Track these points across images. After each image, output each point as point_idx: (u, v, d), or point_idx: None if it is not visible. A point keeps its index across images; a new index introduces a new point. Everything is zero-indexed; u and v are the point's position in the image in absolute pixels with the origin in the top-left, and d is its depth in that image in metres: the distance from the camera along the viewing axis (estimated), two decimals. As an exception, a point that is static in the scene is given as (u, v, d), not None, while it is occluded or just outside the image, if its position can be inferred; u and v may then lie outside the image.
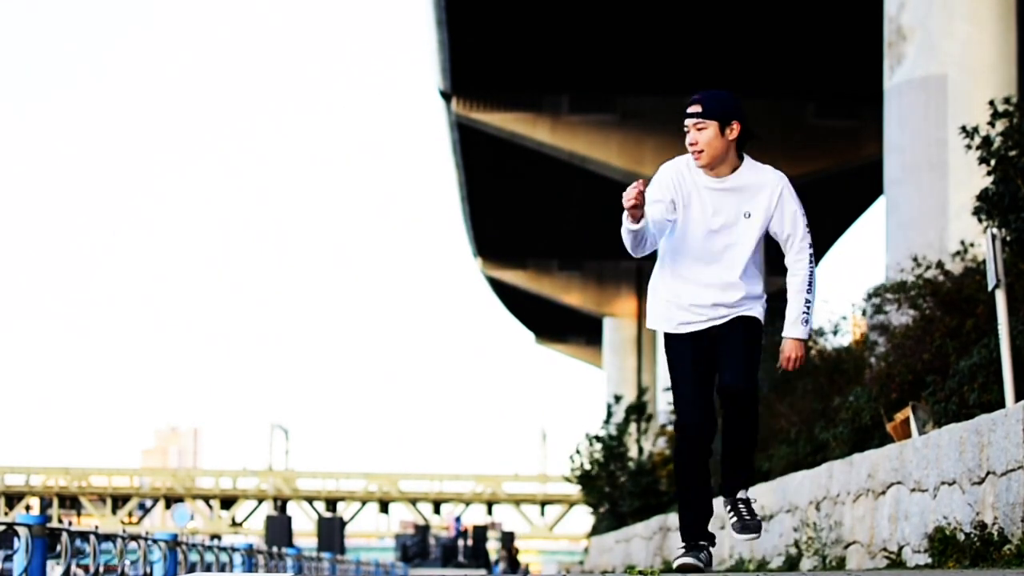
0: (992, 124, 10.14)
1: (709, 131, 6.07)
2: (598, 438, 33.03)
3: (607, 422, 33.16)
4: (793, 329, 6.12)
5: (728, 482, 6.37)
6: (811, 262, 6.15)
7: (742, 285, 6.13)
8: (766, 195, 6.13)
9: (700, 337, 6.18)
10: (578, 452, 33.28)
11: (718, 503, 6.69)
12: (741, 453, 6.34)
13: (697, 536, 6.38)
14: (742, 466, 6.37)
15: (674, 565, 6.33)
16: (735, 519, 6.29)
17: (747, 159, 6.21)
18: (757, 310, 6.19)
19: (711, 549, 6.42)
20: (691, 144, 6.10)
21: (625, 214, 5.95)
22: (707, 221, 6.11)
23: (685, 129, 6.13)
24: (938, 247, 16.33)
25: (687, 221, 6.13)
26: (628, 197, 5.88)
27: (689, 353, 6.19)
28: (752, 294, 6.17)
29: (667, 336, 6.27)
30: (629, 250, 6.12)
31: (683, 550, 6.34)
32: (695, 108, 6.12)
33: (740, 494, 6.35)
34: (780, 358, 6.16)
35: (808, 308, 6.10)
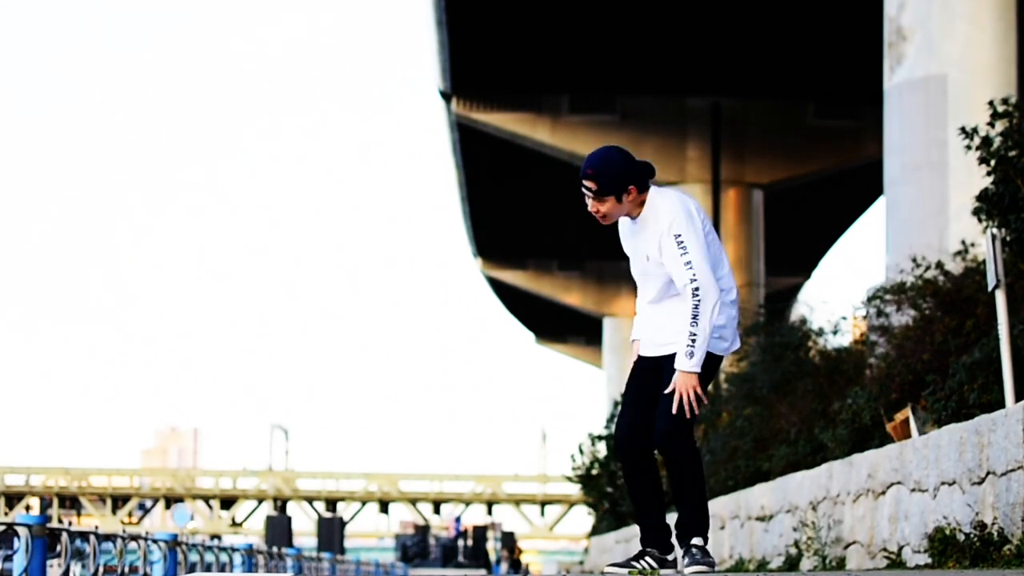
0: (992, 124, 10.14)
1: (608, 203, 6.25)
2: (600, 437, 33.03)
3: (611, 422, 33.15)
4: (682, 363, 6.18)
5: (679, 529, 6.42)
6: (695, 295, 6.14)
7: (671, 320, 6.30)
8: (655, 237, 6.27)
9: (648, 362, 6.46)
10: (581, 451, 33.28)
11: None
12: (681, 500, 6.40)
13: (647, 540, 6.49)
14: (687, 512, 6.38)
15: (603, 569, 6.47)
16: (686, 559, 6.30)
17: (651, 192, 6.31)
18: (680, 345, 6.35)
19: (665, 557, 6.46)
20: (594, 211, 6.31)
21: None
22: (633, 260, 6.45)
23: (585, 192, 6.29)
24: (938, 247, 16.32)
25: (630, 260, 6.53)
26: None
27: (634, 373, 6.52)
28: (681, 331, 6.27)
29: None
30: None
31: (628, 560, 6.46)
32: (590, 184, 6.24)
33: (694, 540, 6.35)
34: (675, 391, 6.22)
35: (693, 341, 6.12)
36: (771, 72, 34.34)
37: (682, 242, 6.13)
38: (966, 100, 17.81)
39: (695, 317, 6.12)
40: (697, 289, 6.11)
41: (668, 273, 6.22)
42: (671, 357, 6.27)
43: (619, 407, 6.55)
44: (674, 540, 6.49)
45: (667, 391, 6.24)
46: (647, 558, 6.38)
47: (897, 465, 9.55)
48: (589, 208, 6.31)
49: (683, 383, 6.16)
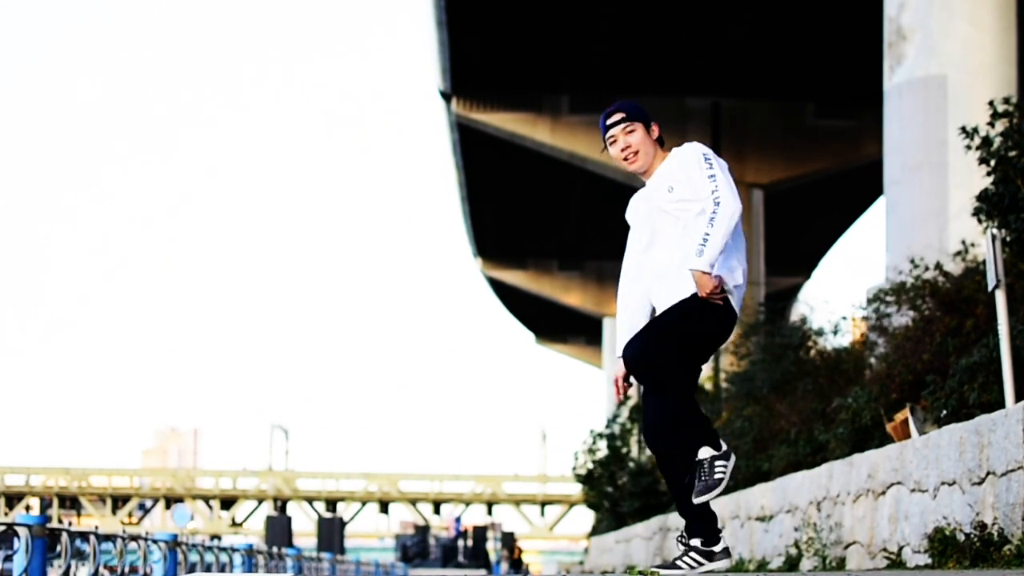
0: (992, 124, 10.14)
1: (638, 132, 6.13)
2: (601, 435, 33.06)
3: (612, 422, 33.17)
4: (695, 261, 5.90)
5: (690, 521, 6.21)
6: (716, 204, 5.93)
7: (681, 265, 6.04)
8: (678, 169, 6.09)
9: None
10: (589, 451, 33.29)
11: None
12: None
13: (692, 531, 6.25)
14: (686, 510, 6.13)
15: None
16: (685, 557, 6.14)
17: (661, 153, 6.25)
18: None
19: (699, 554, 6.18)
20: (624, 148, 6.13)
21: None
22: (646, 227, 6.22)
23: (611, 140, 6.16)
24: (938, 247, 16.32)
25: (635, 238, 6.30)
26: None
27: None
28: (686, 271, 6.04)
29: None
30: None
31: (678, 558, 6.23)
32: (618, 116, 6.18)
33: (692, 541, 6.13)
34: (696, 290, 5.98)
35: (706, 241, 5.87)
36: (771, 72, 34.34)
37: (710, 164, 6.00)
38: (966, 100, 17.81)
39: (711, 220, 5.89)
40: (719, 200, 5.92)
41: (686, 209, 5.99)
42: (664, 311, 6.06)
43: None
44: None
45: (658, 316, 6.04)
46: (692, 553, 6.14)
47: (897, 465, 9.54)
48: (619, 148, 6.12)
49: (702, 284, 5.88)
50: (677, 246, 6.05)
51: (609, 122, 6.18)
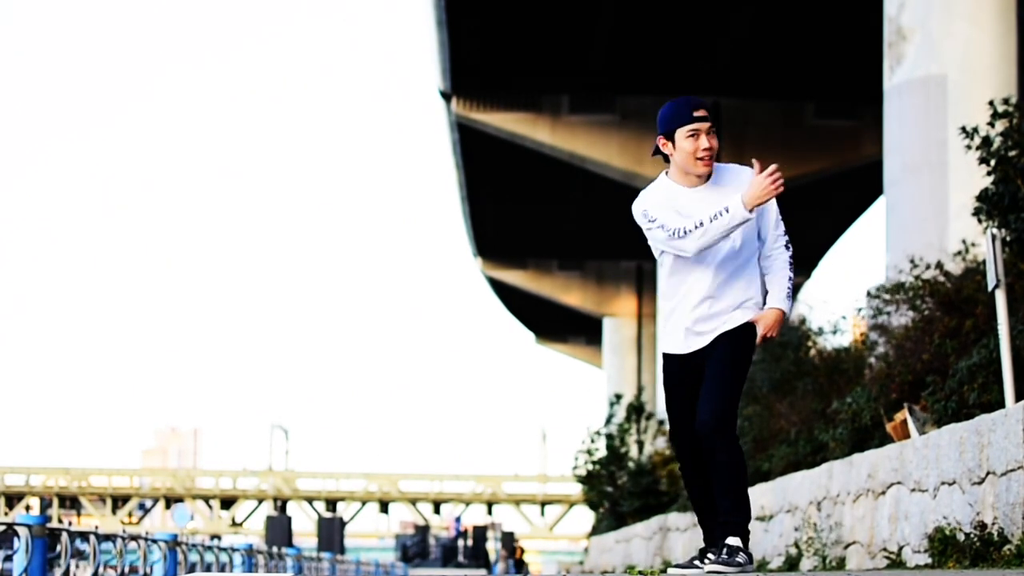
0: (992, 124, 10.14)
1: (715, 138, 6.03)
2: (599, 433, 33.06)
3: (608, 422, 33.16)
4: (781, 303, 6.05)
5: (718, 526, 6.17)
6: (788, 248, 6.13)
7: (731, 295, 6.06)
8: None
9: (689, 361, 6.18)
10: (587, 451, 33.26)
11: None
12: (722, 494, 6.11)
13: (706, 539, 6.32)
14: (726, 507, 6.10)
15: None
16: (714, 556, 6.07)
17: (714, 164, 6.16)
18: (746, 314, 6.09)
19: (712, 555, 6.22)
20: (706, 149, 5.97)
21: (746, 209, 5.84)
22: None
23: (691, 132, 5.97)
24: (938, 247, 16.32)
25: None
26: (778, 185, 5.84)
27: (678, 380, 6.23)
28: (743, 300, 6.09)
29: (666, 356, 6.23)
30: (699, 248, 5.95)
31: (691, 559, 6.31)
32: (705, 112, 6.01)
33: (729, 540, 6.06)
34: (761, 327, 6.04)
35: (791, 286, 6.08)
36: (771, 72, 34.34)
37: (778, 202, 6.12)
38: (966, 100, 17.81)
39: (791, 266, 6.10)
40: (788, 243, 6.11)
41: (750, 232, 6.00)
42: (719, 338, 6.05)
43: (671, 417, 6.24)
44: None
45: (719, 369, 6.02)
46: (710, 554, 6.18)
47: (897, 465, 9.54)
48: (701, 145, 5.96)
49: (776, 321, 6.02)
50: (732, 272, 6.05)
51: (697, 114, 5.99)
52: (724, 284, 6.05)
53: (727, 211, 5.83)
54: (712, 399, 5.99)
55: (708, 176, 6.05)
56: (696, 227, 5.88)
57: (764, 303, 6.15)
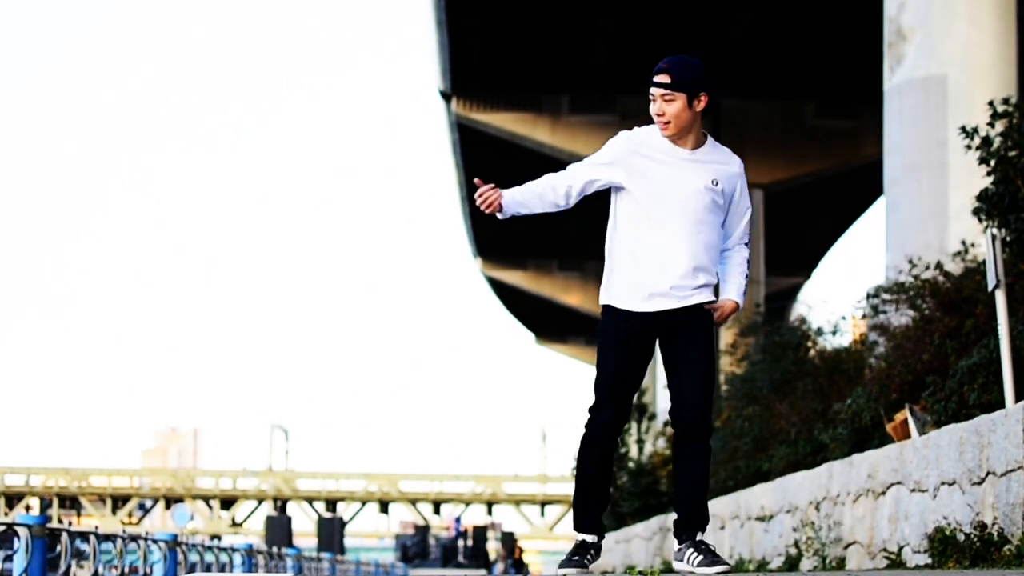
0: (992, 124, 10.14)
1: (677, 103, 5.89)
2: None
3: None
4: (738, 296, 6.05)
5: (684, 524, 6.04)
6: (747, 246, 6.12)
7: (704, 262, 5.96)
8: (732, 178, 6.00)
9: (653, 319, 5.96)
10: None
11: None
12: (696, 492, 6.06)
13: (589, 527, 6.19)
14: (698, 505, 6.05)
15: (558, 571, 6.15)
16: (700, 557, 5.92)
17: (709, 138, 6.08)
18: (709, 294, 6.01)
19: (599, 544, 6.21)
20: (658, 115, 5.92)
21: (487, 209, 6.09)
22: (672, 190, 5.92)
23: (651, 97, 5.95)
24: (938, 247, 16.32)
25: (645, 190, 5.96)
26: (485, 203, 6.27)
27: (628, 342, 5.99)
28: (709, 278, 6.00)
29: (616, 311, 6.01)
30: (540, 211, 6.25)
31: (571, 555, 6.16)
32: (663, 78, 5.91)
33: (698, 536, 6.00)
34: (716, 314, 5.99)
35: (746, 284, 6.09)
36: (771, 72, 34.34)
37: (749, 192, 6.13)
38: (966, 100, 17.81)
39: (748, 263, 6.12)
40: (748, 242, 6.11)
41: (719, 213, 5.95)
42: (696, 309, 5.93)
43: (604, 387, 5.95)
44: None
45: (698, 361, 5.91)
46: (592, 551, 6.15)
47: (897, 465, 9.54)
48: (654, 111, 5.92)
49: (731, 312, 6.03)
50: (698, 243, 5.94)
51: (655, 79, 5.96)
52: (699, 253, 5.94)
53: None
54: (704, 393, 5.94)
55: (697, 144, 5.99)
56: (561, 181, 6.36)
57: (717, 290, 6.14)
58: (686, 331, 5.94)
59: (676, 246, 5.90)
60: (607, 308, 6.03)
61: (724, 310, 6.01)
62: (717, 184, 5.93)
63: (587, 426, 6.04)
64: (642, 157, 5.98)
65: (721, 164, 6.00)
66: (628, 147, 6.01)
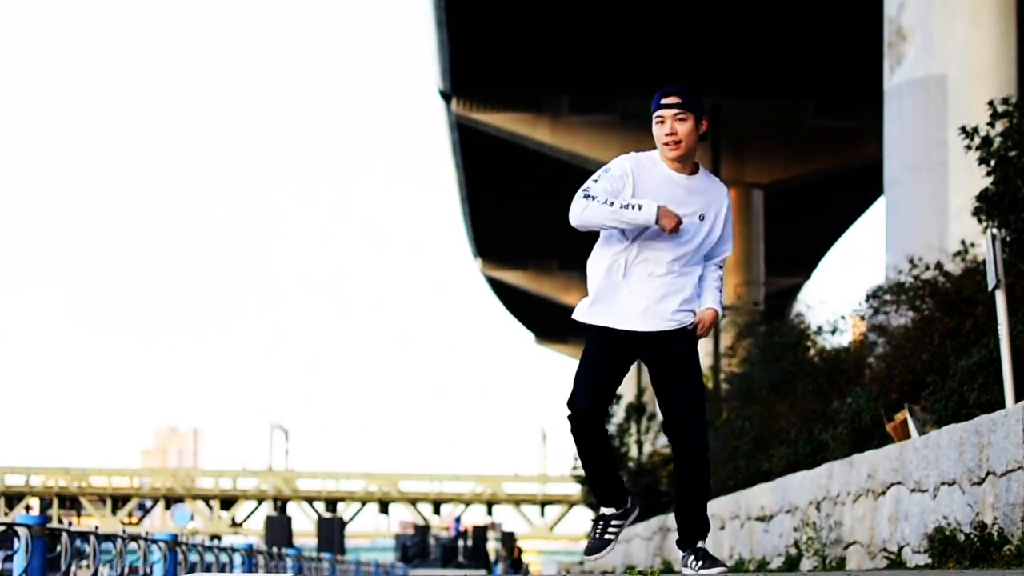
0: (992, 124, 10.14)
1: (688, 123, 6.05)
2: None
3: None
4: (717, 304, 6.26)
5: (686, 534, 6.27)
6: (722, 268, 6.38)
7: (687, 286, 6.16)
8: (720, 207, 6.19)
9: (630, 338, 6.14)
10: None
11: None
12: (697, 502, 6.27)
13: (604, 501, 6.40)
14: (700, 515, 6.26)
15: (584, 554, 6.46)
16: (700, 563, 6.16)
17: (701, 166, 6.25)
18: (691, 316, 6.20)
19: (626, 511, 6.45)
20: (670, 134, 6.04)
21: (651, 221, 5.95)
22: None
23: (659, 120, 6.08)
24: (938, 247, 16.32)
25: None
26: (672, 227, 5.97)
27: (605, 350, 6.16)
28: (693, 299, 6.20)
29: (597, 328, 6.17)
30: (582, 221, 6.10)
31: (590, 534, 6.45)
32: (675, 99, 6.08)
33: (699, 544, 6.23)
34: (700, 327, 6.18)
35: (721, 296, 6.33)
36: (771, 72, 34.35)
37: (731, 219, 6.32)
38: (966, 100, 17.82)
39: (722, 282, 6.38)
40: (723, 264, 6.35)
41: (707, 240, 6.14)
42: (676, 333, 6.10)
43: (579, 381, 6.12)
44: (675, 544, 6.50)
45: (687, 376, 6.12)
46: (614, 521, 6.39)
47: (897, 465, 9.55)
48: (664, 131, 6.05)
49: (712, 322, 6.21)
50: (674, 279, 6.14)
51: (664, 101, 6.09)
52: (683, 279, 6.15)
53: (639, 208, 5.96)
54: (695, 408, 6.12)
55: (693, 171, 6.15)
56: (605, 202, 6.00)
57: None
58: (671, 349, 6.15)
59: (661, 271, 6.11)
60: (589, 327, 6.21)
61: (705, 320, 6.21)
62: (704, 219, 6.13)
63: (568, 419, 6.21)
64: (644, 179, 6.12)
65: (711, 193, 6.19)
66: (632, 165, 6.14)
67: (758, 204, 36.58)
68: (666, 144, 6.07)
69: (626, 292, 6.11)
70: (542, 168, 39.52)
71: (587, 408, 6.10)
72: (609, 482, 6.34)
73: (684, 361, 6.14)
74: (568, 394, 6.16)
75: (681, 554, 6.29)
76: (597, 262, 6.20)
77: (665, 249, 6.08)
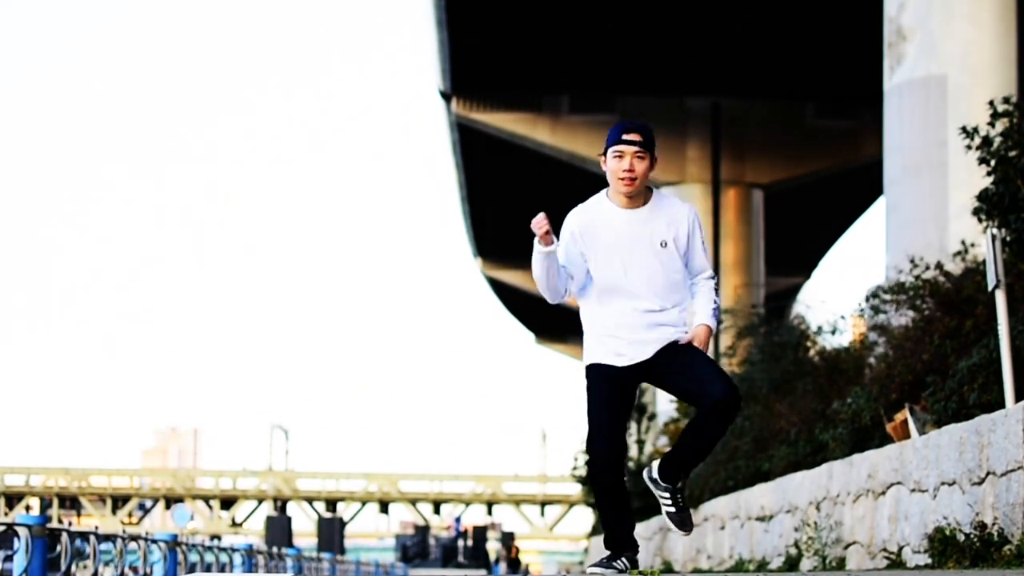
0: (992, 124, 10.14)
1: (646, 162, 6.13)
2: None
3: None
4: (708, 319, 6.28)
5: (673, 468, 6.45)
6: (712, 278, 6.37)
7: (667, 312, 6.22)
8: (680, 227, 6.22)
9: (635, 369, 6.26)
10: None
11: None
12: (701, 450, 6.42)
13: (620, 546, 6.50)
14: (691, 463, 6.47)
15: (587, 570, 6.42)
16: (674, 509, 6.45)
17: (654, 190, 6.30)
18: (680, 334, 6.28)
19: (635, 558, 6.56)
20: (628, 171, 6.11)
21: (536, 240, 6.08)
22: (624, 253, 6.18)
23: (617, 154, 6.13)
24: (938, 247, 16.32)
25: (603, 258, 6.21)
26: (538, 225, 6.06)
27: (610, 392, 6.28)
28: (680, 320, 6.27)
29: (595, 367, 6.30)
30: (546, 291, 6.26)
31: (603, 560, 6.46)
32: (637, 136, 6.13)
33: (679, 484, 6.47)
34: (696, 341, 6.24)
35: (715, 310, 6.31)
36: (771, 72, 34.34)
37: (702, 230, 6.32)
38: (966, 100, 17.82)
39: (716, 291, 6.34)
40: (712, 275, 6.36)
41: (675, 265, 6.19)
42: (669, 346, 6.20)
43: (594, 429, 6.25)
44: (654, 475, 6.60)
45: (697, 358, 6.20)
46: (623, 558, 6.45)
47: (897, 465, 9.55)
48: (623, 166, 6.10)
49: (707, 336, 6.26)
50: (661, 298, 6.21)
51: (625, 137, 6.14)
52: (664, 306, 6.22)
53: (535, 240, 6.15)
54: (720, 375, 6.18)
55: (644, 201, 6.20)
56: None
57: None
58: (670, 357, 6.23)
59: (643, 306, 6.20)
60: (589, 368, 6.34)
61: (698, 336, 6.27)
62: (666, 245, 6.19)
63: (587, 464, 6.43)
64: (594, 230, 6.26)
65: (670, 215, 6.24)
66: (581, 223, 6.30)
67: (758, 204, 36.57)
68: (621, 179, 6.14)
69: (614, 333, 6.23)
70: (542, 168, 39.50)
71: (607, 450, 6.23)
72: (625, 527, 6.52)
73: (689, 350, 6.21)
74: (586, 440, 6.29)
75: (655, 475, 6.45)
76: (584, 316, 6.35)
77: (636, 286, 6.18)
